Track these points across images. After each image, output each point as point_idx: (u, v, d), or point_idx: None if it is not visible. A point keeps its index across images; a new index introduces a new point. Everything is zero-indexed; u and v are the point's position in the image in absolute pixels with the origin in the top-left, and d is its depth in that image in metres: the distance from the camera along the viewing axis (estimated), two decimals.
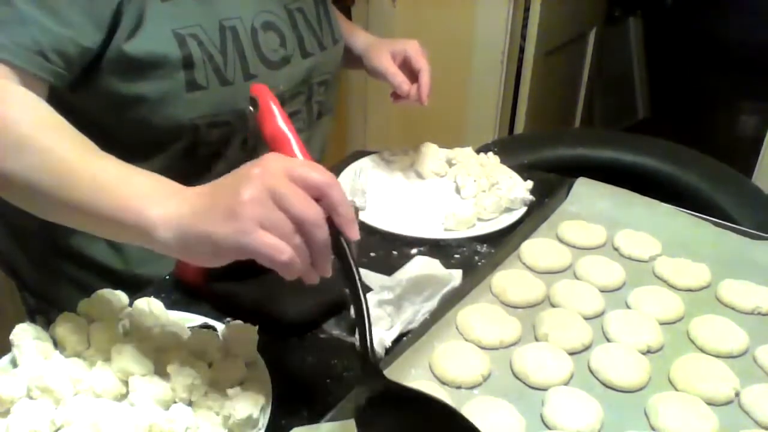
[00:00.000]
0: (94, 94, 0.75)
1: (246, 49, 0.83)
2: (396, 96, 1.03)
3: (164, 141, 0.81)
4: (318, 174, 0.53)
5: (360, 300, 0.56)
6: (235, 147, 0.87)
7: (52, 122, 0.63)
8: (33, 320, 0.99)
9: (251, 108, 0.64)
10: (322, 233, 0.52)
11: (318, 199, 0.53)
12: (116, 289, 0.87)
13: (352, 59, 1.08)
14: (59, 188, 0.59)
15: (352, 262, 0.55)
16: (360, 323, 0.56)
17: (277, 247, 0.51)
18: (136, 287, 0.83)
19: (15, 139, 0.60)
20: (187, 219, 0.53)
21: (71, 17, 0.68)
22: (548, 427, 0.64)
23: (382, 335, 0.70)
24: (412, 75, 1.01)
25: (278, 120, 0.62)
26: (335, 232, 0.54)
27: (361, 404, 0.55)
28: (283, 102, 0.90)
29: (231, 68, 0.81)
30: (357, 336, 0.56)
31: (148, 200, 0.55)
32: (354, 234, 0.55)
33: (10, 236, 0.94)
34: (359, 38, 1.08)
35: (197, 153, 0.84)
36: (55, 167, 0.59)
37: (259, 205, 0.51)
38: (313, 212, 0.52)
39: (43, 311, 0.96)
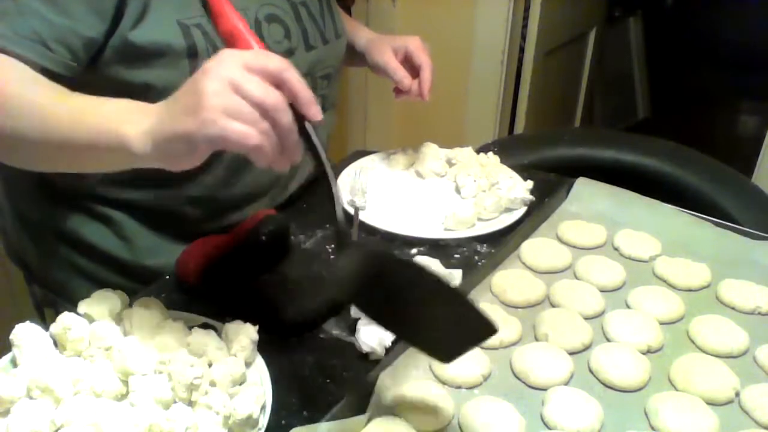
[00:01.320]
0: (101, 82, 0.76)
1: None
2: (398, 91, 1.03)
3: None
4: (273, 61, 0.56)
5: (328, 176, 0.60)
6: None
7: (32, 79, 0.67)
8: (41, 313, 0.99)
9: (204, 9, 0.67)
10: (286, 117, 0.55)
11: (278, 87, 0.56)
12: (124, 280, 0.87)
13: (355, 56, 1.08)
14: (40, 130, 0.63)
15: (317, 142, 0.59)
16: (330, 195, 0.60)
17: (245, 133, 0.54)
18: (143, 279, 0.84)
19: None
20: (157, 126, 0.57)
21: (72, 8, 0.69)
22: (548, 427, 0.64)
23: (382, 335, 0.70)
24: (414, 70, 1.02)
25: (231, 16, 0.65)
26: (299, 116, 0.57)
27: (345, 272, 0.60)
28: None
29: None
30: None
31: (121, 120, 0.60)
32: (316, 114, 0.58)
33: (20, 228, 0.95)
34: (361, 35, 1.09)
35: None
36: (35, 113, 0.63)
37: (221, 96, 0.54)
38: (273, 97, 0.55)
39: (52, 303, 0.96)
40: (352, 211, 0.93)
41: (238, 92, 0.54)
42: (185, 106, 0.56)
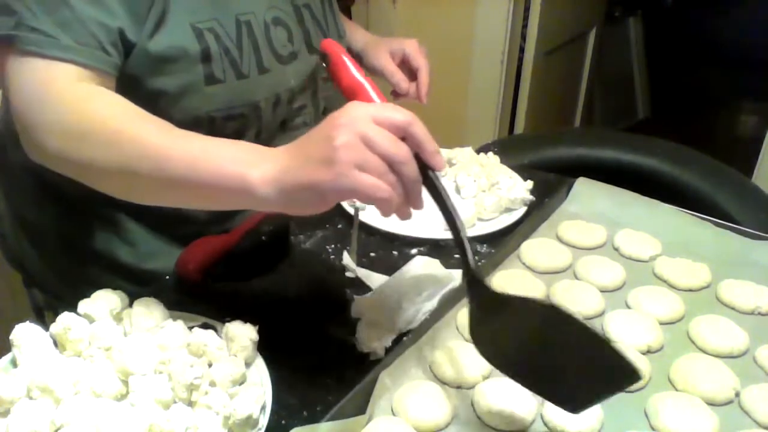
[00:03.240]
0: (119, 89, 0.76)
1: (260, 44, 0.84)
2: (396, 94, 1.03)
3: None
4: (400, 114, 0.58)
5: (455, 221, 0.60)
6: (249, 139, 0.88)
7: (135, 112, 0.67)
8: (41, 317, 0.99)
9: (323, 64, 0.68)
10: (412, 169, 0.57)
11: (403, 138, 0.57)
12: (126, 284, 0.87)
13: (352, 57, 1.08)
14: (158, 171, 0.63)
15: (441, 189, 0.60)
16: (458, 242, 0.61)
17: (376, 185, 0.55)
18: (145, 282, 0.84)
19: (108, 135, 0.65)
20: (285, 174, 0.58)
21: (117, 10, 0.71)
22: (548, 427, 0.64)
23: (382, 335, 0.71)
24: (411, 73, 1.02)
25: (352, 70, 0.66)
26: (422, 165, 0.58)
27: (473, 311, 0.61)
28: (293, 97, 0.90)
29: (246, 62, 0.82)
30: (459, 254, 0.62)
31: (244, 164, 0.60)
32: (440, 164, 0.59)
33: (23, 233, 0.95)
34: (358, 37, 1.09)
35: None
36: (150, 153, 0.63)
37: (353, 149, 0.55)
38: (401, 151, 0.56)
39: (53, 307, 0.96)
40: (352, 211, 0.93)
41: (368, 145, 0.55)
42: (317, 157, 0.56)
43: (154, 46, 0.74)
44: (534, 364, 0.58)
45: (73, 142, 0.66)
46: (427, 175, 0.60)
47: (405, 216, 0.60)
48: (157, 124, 0.66)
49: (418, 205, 0.60)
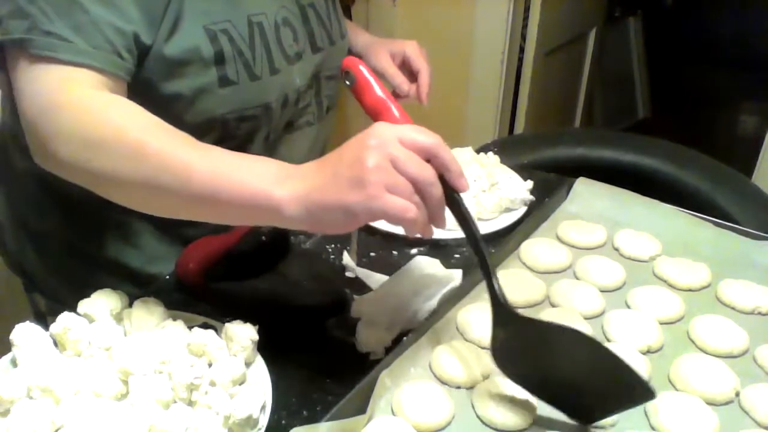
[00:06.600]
0: (133, 93, 0.76)
1: (271, 44, 0.84)
2: (396, 96, 1.03)
3: (193, 136, 0.81)
4: (426, 137, 0.59)
5: (479, 246, 0.62)
6: (259, 141, 0.88)
7: (156, 123, 0.65)
8: (43, 322, 0.99)
9: (346, 82, 0.68)
10: (437, 190, 0.58)
11: (428, 160, 0.58)
12: (131, 287, 0.87)
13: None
14: (181, 185, 0.61)
15: (465, 211, 0.62)
16: (484, 267, 0.63)
17: (404, 207, 0.56)
18: (149, 285, 0.83)
19: (128, 147, 0.63)
20: (313, 193, 0.57)
21: (132, 13, 0.70)
22: (548, 427, 0.64)
23: (382, 335, 0.71)
24: (412, 75, 1.02)
25: (376, 90, 0.66)
26: (447, 187, 0.60)
27: (496, 334, 0.63)
28: (299, 97, 0.90)
29: (259, 63, 0.82)
30: (485, 283, 0.63)
31: (270, 182, 0.59)
32: (465, 186, 0.61)
33: (26, 238, 0.94)
34: (359, 37, 1.09)
35: (222, 147, 0.85)
36: (172, 166, 0.62)
37: (383, 172, 0.56)
38: (428, 173, 0.58)
39: (56, 313, 0.96)
40: None
41: (396, 167, 0.56)
42: (348, 177, 0.56)
43: (169, 49, 0.74)
44: (553, 382, 0.62)
45: (92, 152, 0.64)
46: (452, 196, 0.60)
47: (428, 235, 0.60)
48: (179, 137, 0.64)
49: (441, 224, 0.60)
